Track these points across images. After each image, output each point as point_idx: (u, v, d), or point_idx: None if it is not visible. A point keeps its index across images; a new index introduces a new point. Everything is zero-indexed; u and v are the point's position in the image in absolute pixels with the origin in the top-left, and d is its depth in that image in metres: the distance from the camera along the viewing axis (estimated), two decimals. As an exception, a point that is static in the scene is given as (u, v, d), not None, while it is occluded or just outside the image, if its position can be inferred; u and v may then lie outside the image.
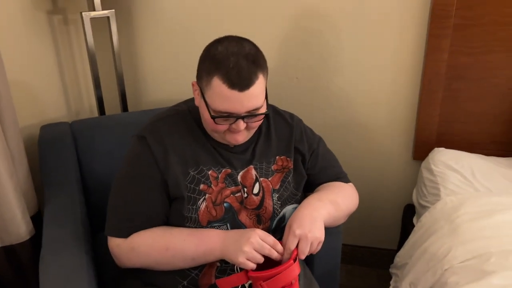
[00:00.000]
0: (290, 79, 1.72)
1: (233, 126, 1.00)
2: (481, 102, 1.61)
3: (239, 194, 1.09)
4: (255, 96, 0.97)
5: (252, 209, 1.09)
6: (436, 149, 1.63)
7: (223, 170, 1.09)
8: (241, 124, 1.00)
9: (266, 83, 1.02)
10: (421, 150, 1.70)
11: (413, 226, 1.51)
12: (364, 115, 1.74)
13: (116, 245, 1.07)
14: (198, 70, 1.02)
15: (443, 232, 1.26)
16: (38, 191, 1.44)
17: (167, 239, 1.04)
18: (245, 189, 1.10)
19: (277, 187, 1.13)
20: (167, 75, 1.77)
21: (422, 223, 1.38)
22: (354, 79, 1.69)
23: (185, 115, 1.12)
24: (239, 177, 1.10)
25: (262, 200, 1.10)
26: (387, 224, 1.89)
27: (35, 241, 1.32)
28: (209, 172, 1.08)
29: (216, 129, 1.03)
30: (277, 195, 1.12)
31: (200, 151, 1.08)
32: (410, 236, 1.42)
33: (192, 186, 1.06)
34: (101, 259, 1.22)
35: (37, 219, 1.37)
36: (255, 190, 1.10)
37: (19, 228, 1.27)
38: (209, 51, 1.00)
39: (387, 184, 1.83)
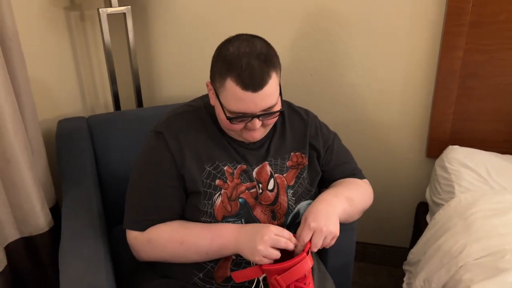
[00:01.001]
0: (303, 76, 1.72)
1: (249, 124, 1.02)
2: (496, 100, 1.60)
3: (254, 190, 1.09)
4: (268, 95, 0.98)
5: (267, 205, 1.10)
6: (450, 146, 1.63)
7: (238, 166, 1.10)
8: (257, 123, 1.01)
9: (280, 79, 1.02)
10: (434, 148, 1.69)
11: (425, 224, 1.51)
12: (378, 113, 1.73)
13: (134, 238, 1.09)
14: (211, 71, 1.03)
15: (457, 229, 1.26)
16: (55, 184, 1.46)
17: (182, 233, 1.05)
18: (260, 185, 1.10)
19: (292, 183, 1.13)
20: (182, 71, 1.78)
21: (436, 220, 1.38)
22: (368, 77, 1.68)
23: (201, 111, 1.13)
24: (254, 173, 1.11)
25: (276, 196, 1.11)
26: (399, 222, 1.89)
27: (54, 234, 1.33)
28: (224, 168, 1.09)
29: (232, 128, 1.04)
30: (292, 191, 1.13)
31: (215, 147, 1.09)
32: (424, 233, 1.42)
33: (208, 181, 1.07)
34: (118, 252, 1.24)
35: (54, 212, 1.39)
36: (270, 186, 1.11)
37: (38, 219, 1.28)
38: (220, 51, 1.00)
39: (400, 182, 1.83)
